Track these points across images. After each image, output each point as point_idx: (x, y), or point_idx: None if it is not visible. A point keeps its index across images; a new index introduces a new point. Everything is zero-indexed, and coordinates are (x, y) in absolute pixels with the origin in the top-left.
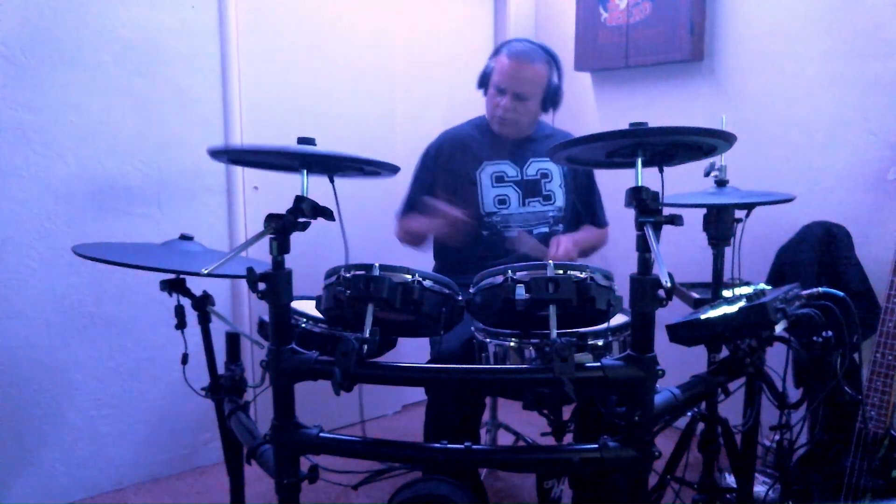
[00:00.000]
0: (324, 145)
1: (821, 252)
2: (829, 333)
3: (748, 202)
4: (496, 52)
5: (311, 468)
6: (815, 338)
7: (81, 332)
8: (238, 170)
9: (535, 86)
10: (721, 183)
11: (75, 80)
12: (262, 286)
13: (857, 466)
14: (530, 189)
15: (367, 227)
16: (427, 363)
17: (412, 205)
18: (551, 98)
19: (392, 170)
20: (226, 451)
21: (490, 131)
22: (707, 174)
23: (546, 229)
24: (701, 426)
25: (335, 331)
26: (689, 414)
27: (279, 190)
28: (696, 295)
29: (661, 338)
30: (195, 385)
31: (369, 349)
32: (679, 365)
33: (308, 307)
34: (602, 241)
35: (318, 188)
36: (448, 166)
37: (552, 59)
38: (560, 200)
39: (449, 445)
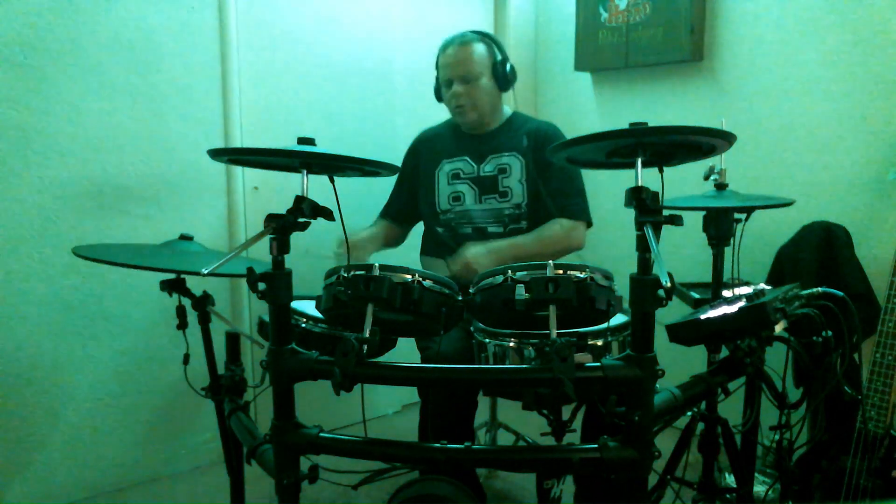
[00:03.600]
0: (324, 145)
1: (821, 252)
2: (829, 333)
3: (747, 206)
4: (436, 60)
5: (311, 468)
6: (815, 338)
7: (81, 332)
8: (238, 170)
9: (478, 64)
10: (720, 186)
11: (75, 80)
12: (262, 286)
13: (857, 466)
14: (486, 186)
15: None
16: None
17: (388, 203)
18: (502, 74)
19: (392, 169)
20: (226, 451)
21: (458, 129)
22: (707, 178)
23: (500, 228)
24: (701, 426)
25: (335, 331)
26: (689, 414)
27: (279, 190)
28: (696, 295)
29: (661, 338)
30: (195, 385)
31: (369, 349)
32: (679, 365)
33: (308, 307)
34: (567, 241)
35: (318, 188)
36: (416, 166)
37: (487, 38)
38: (518, 197)
39: (449, 445)
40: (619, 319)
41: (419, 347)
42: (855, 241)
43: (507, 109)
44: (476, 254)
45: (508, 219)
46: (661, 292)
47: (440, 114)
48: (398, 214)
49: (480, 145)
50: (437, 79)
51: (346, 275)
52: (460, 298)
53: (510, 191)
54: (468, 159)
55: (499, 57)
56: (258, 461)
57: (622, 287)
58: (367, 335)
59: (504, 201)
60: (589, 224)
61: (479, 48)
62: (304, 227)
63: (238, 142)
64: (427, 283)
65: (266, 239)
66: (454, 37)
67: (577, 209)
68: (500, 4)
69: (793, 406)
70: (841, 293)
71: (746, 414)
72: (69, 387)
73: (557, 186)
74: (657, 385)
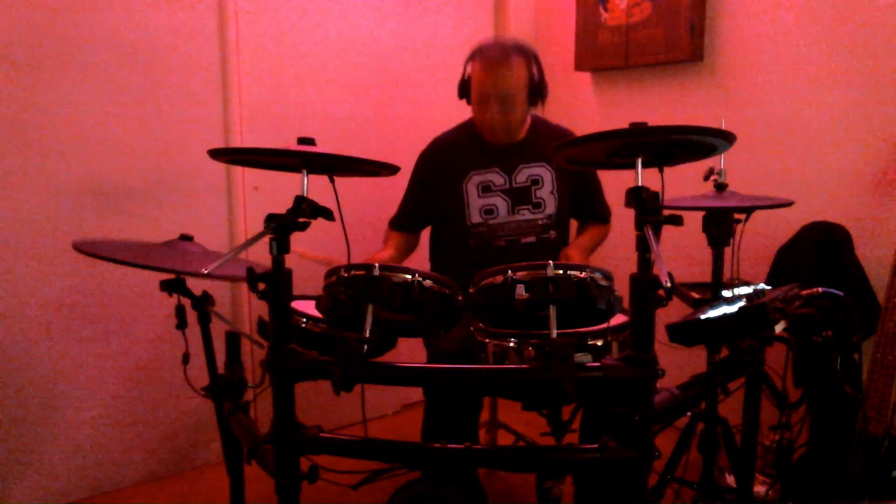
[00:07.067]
0: (324, 145)
1: (821, 252)
2: (829, 333)
3: (747, 206)
4: (471, 58)
5: (311, 468)
6: (815, 338)
7: (81, 332)
8: (238, 170)
9: (517, 86)
10: (720, 187)
11: (75, 80)
12: (262, 286)
13: (857, 466)
14: (520, 197)
15: (368, 227)
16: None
17: (403, 214)
18: (535, 91)
19: (391, 170)
20: (226, 451)
21: (479, 137)
22: (707, 178)
23: (534, 238)
24: (701, 426)
25: (335, 331)
26: (689, 414)
27: (279, 190)
28: (696, 295)
29: (660, 337)
30: (195, 385)
31: (369, 349)
32: (679, 365)
33: (308, 307)
34: (605, 235)
35: (318, 188)
36: (436, 176)
37: (527, 54)
38: (551, 207)
39: (449, 445)
40: (619, 319)
41: (426, 345)
42: (855, 241)
43: (528, 115)
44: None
45: (541, 229)
46: (661, 292)
47: (440, 114)
48: (414, 224)
49: (509, 155)
50: (465, 78)
51: (346, 275)
52: (460, 298)
53: (543, 202)
54: (498, 170)
55: (536, 74)
56: (258, 461)
57: (622, 287)
58: (367, 335)
59: (538, 212)
60: None
61: (520, 68)
62: (304, 227)
63: (238, 142)
64: (427, 283)
65: (266, 239)
66: (497, 51)
67: (608, 212)
68: (500, 4)
69: (793, 406)
70: (841, 293)
71: (746, 414)
72: (69, 387)
73: (593, 195)
74: (657, 385)
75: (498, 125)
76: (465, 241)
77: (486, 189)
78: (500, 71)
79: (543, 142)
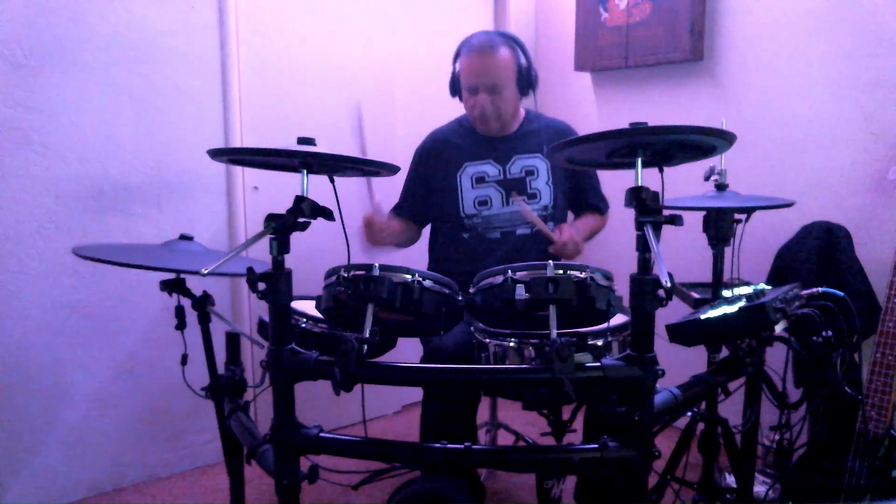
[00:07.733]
0: (324, 145)
1: (821, 252)
2: (829, 333)
3: (748, 206)
4: (457, 54)
5: (311, 468)
6: (815, 338)
7: (81, 332)
8: (238, 170)
9: (505, 73)
10: (721, 187)
11: (75, 80)
12: (262, 286)
13: (857, 466)
14: (514, 188)
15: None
16: (420, 362)
17: (402, 204)
18: (525, 80)
19: (391, 169)
20: (226, 451)
21: (473, 129)
22: (707, 178)
23: (528, 230)
24: (701, 426)
25: (335, 331)
26: (689, 414)
27: (279, 190)
28: (696, 295)
29: (661, 336)
30: (195, 385)
31: (369, 349)
32: (679, 365)
33: (308, 307)
34: (602, 226)
35: (318, 188)
36: (431, 169)
37: (514, 42)
38: (546, 198)
39: (448, 445)
40: (619, 319)
41: (422, 341)
42: (855, 241)
43: (522, 108)
44: (575, 232)
45: None
46: (661, 292)
47: (440, 113)
48: (415, 215)
49: (503, 147)
50: (455, 74)
51: (346, 275)
52: (460, 298)
53: (539, 193)
54: (492, 162)
55: (524, 63)
56: (258, 461)
57: (622, 287)
58: (367, 335)
59: (533, 202)
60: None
61: (506, 56)
62: (304, 227)
63: (238, 142)
64: (427, 283)
65: (266, 239)
66: (481, 40)
67: (606, 205)
68: (500, 4)
69: (793, 406)
70: (841, 293)
71: (746, 414)
72: (69, 387)
73: (589, 186)
74: (657, 385)
75: (489, 114)
76: (460, 232)
77: (479, 180)
78: (487, 60)
79: (538, 132)
